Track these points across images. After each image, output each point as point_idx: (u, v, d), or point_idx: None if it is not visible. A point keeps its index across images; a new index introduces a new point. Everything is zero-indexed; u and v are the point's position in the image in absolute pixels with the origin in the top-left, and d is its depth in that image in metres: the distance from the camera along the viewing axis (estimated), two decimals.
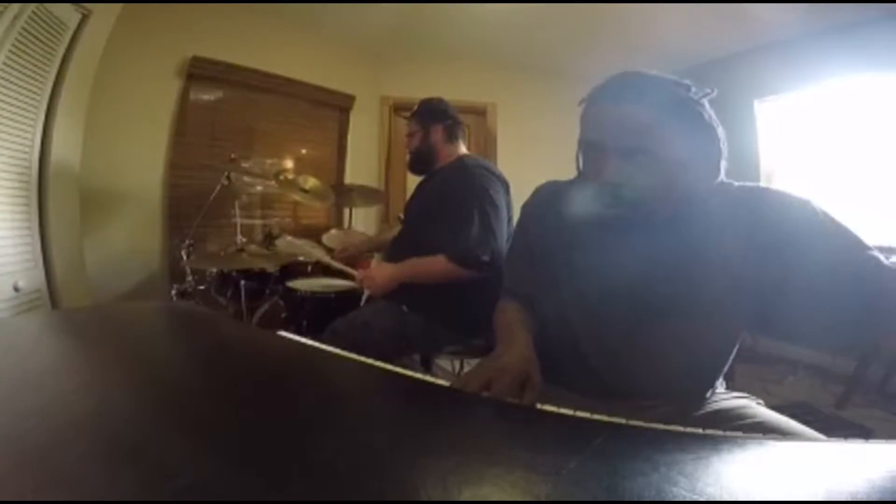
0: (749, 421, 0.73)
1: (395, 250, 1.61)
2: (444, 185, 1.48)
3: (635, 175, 0.70)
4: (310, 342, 0.78)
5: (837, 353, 2.49)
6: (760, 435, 0.51)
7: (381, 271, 1.45)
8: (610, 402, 0.73)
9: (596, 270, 0.78)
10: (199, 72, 2.62)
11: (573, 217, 0.80)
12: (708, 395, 0.82)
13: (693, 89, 0.71)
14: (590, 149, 0.75)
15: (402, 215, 1.77)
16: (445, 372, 1.98)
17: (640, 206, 0.72)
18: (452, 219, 1.36)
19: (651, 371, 0.77)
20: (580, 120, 0.76)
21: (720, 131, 0.73)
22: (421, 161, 1.60)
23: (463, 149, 1.60)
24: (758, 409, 0.78)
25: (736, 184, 0.78)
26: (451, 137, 1.57)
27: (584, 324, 0.81)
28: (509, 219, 1.43)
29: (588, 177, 0.76)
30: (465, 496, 0.37)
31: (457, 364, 1.90)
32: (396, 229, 1.82)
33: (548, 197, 0.92)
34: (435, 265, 1.35)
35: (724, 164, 0.75)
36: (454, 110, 1.60)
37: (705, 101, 0.72)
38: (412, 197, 1.65)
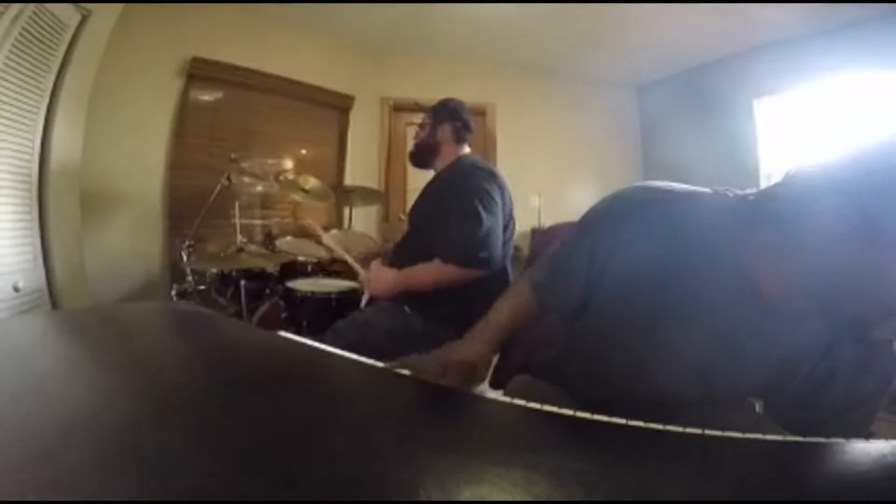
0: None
1: (399, 253, 1.61)
2: (444, 187, 1.49)
3: None
4: (310, 342, 0.78)
5: None
6: (760, 434, 0.51)
7: (382, 277, 1.44)
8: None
9: (682, 300, 0.67)
10: (199, 72, 2.62)
11: (688, 237, 0.67)
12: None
13: None
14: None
15: (402, 216, 1.77)
16: None
17: None
18: (449, 218, 1.35)
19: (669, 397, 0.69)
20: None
21: None
22: (422, 153, 1.62)
23: (466, 150, 1.61)
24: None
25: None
26: (458, 139, 1.58)
27: (639, 350, 0.71)
28: (508, 218, 1.43)
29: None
30: (465, 496, 0.37)
31: None
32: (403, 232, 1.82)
33: (644, 205, 0.75)
34: (430, 271, 1.34)
35: None
36: (469, 116, 1.61)
37: None
38: (417, 199, 1.66)
